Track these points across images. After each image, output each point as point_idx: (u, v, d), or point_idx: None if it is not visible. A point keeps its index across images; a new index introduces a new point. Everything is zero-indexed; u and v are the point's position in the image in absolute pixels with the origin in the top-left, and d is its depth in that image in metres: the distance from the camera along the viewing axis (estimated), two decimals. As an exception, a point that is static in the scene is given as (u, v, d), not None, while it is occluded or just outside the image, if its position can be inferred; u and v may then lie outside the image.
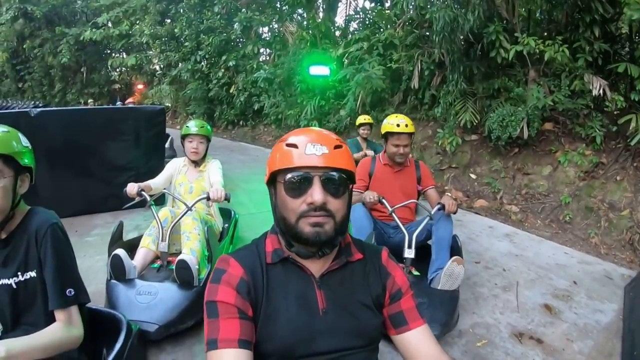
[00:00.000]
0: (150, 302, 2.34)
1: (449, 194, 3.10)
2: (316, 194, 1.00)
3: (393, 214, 2.92)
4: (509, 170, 6.08)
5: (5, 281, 1.46)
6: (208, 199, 2.81)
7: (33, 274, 1.46)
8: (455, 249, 2.91)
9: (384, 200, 2.94)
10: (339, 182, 1.04)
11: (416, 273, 2.90)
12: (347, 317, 1.09)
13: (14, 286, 1.46)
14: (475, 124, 6.41)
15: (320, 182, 1.01)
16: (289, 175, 1.02)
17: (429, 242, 2.99)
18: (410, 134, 3.11)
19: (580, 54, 5.44)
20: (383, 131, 3.14)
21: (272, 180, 1.09)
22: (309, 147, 1.02)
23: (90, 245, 3.93)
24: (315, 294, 1.10)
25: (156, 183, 3.16)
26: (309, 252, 1.08)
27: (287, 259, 1.11)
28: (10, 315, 1.50)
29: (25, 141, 1.47)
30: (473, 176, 6.43)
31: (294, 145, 1.03)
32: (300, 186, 1.02)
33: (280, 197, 1.06)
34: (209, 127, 3.37)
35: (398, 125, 3.05)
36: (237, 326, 0.99)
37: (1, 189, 1.36)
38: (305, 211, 1.02)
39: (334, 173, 1.03)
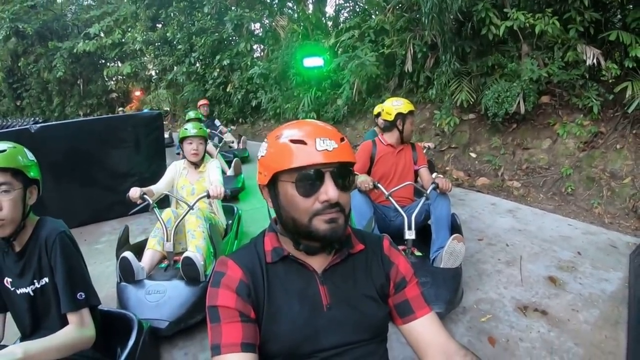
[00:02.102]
0: (160, 300, 2.41)
1: (440, 176, 3.15)
2: (331, 191, 0.97)
3: (390, 198, 2.96)
4: (508, 147, 6.09)
5: (23, 290, 1.57)
6: (208, 196, 2.87)
7: (47, 279, 1.56)
8: (455, 227, 2.95)
9: (379, 185, 2.99)
10: (348, 176, 1.02)
11: (418, 254, 2.94)
12: (352, 311, 1.08)
13: (31, 294, 1.57)
14: (471, 102, 6.40)
15: (332, 177, 0.98)
16: (300, 174, 0.97)
17: (429, 222, 3.03)
18: None
19: (572, 24, 5.40)
20: (405, 110, 3.20)
21: (272, 180, 1.04)
22: (319, 143, 0.97)
23: (99, 252, 4.00)
24: (319, 290, 1.08)
25: (158, 188, 3.20)
26: (318, 248, 1.07)
27: (287, 257, 1.09)
28: (29, 322, 1.61)
29: (30, 155, 1.56)
30: (473, 155, 6.45)
31: (301, 142, 0.98)
32: (312, 184, 0.98)
33: (287, 197, 1.01)
34: (205, 128, 3.45)
35: (410, 104, 3.24)
36: (239, 330, 0.99)
37: (12, 200, 1.45)
38: (319, 209, 0.98)
39: (343, 168, 1.01)
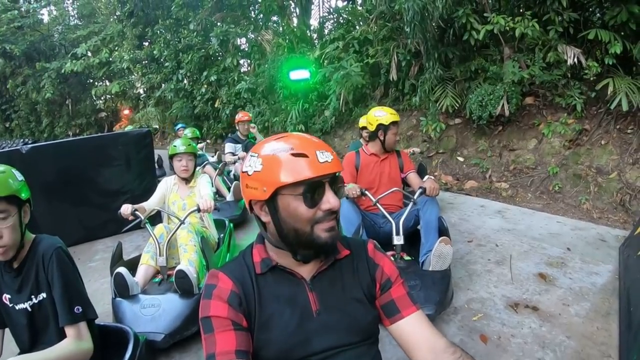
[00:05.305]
0: (155, 313, 2.43)
1: (431, 177, 3.18)
2: (333, 199, 1.01)
3: (377, 204, 3.00)
4: (495, 149, 6.17)
5: (22, 305, 1.59)
6: (199, 210, 2.91)
7: (44, 294, 1.59)
8: (442, 230, 2.98)
9: (366, 192, 3.02)
10: (340, 185, 1.07)
11: (407, 258, 2.97)
12: (341, 315, 1.10)
13: (29, 309, 1.60)
14: (456, 107, 6.49)
15: (330, 187, 1.02)
16: (307, 186, 0.99)
17: (419, 227, 3.05)
18: None
19: (551, 25, 5.53)
20: (387, 122, 3.20)
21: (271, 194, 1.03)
22: (320, 156, 1.00)
23: (94, 270, 3.99)
24: (308, 296, 1.11)
25: (150, 205, 3.24)
26: (312, 255, 1.10)
27: (275, 267, 1.12)
28: (28, 337, 1.64)
29: (19, 176, 1.57)
30: (461, 159, 6.53)
31: (303, 155, 0.99)
32: (315, 195, 1.00)
33: (290, 209, 1.01)
34: (194, 144, 3.48)
35: (394, 114, 3.24)
36: (232, 338, 1.00)
37: (11, 227, 1.48)
38: (321, 217, 1.02)
39: (337, 177, 1.05)
